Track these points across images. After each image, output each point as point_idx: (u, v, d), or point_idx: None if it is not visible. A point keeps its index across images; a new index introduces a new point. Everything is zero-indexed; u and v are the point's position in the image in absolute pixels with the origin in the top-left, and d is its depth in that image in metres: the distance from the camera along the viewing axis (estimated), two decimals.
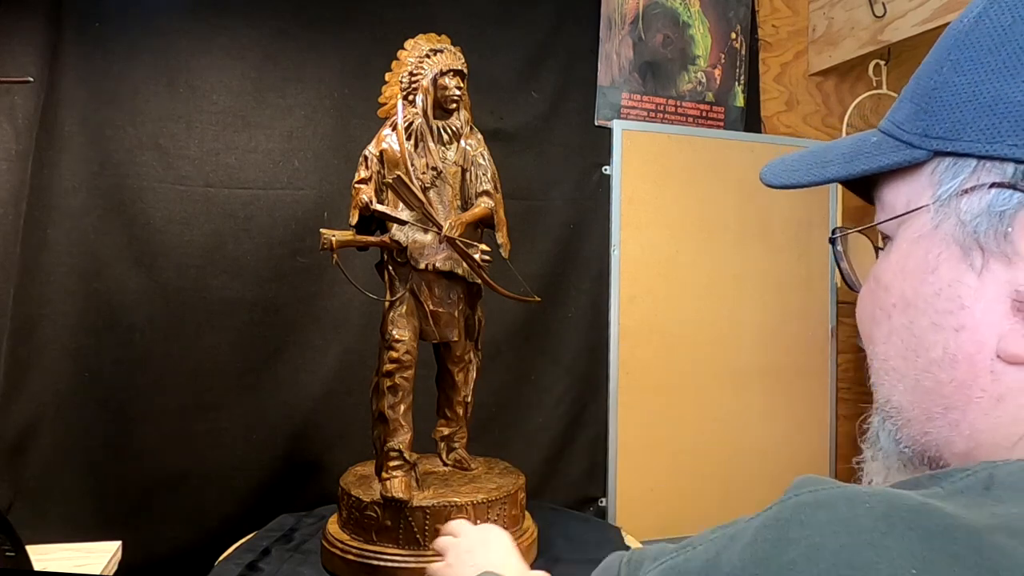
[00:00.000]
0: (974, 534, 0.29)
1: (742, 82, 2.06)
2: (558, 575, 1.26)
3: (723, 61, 2.03)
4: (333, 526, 1.29)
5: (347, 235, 1.26)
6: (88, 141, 1.50)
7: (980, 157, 0.37)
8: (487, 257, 1.28)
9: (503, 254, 1.33)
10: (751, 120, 2.07)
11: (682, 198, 1.95)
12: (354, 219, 1.27)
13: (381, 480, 1.25)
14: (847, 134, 2.10)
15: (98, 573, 1.28)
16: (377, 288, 1.32)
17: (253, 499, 1.58)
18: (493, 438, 1.73)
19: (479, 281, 1.32)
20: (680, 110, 2.00)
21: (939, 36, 0.42)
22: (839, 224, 2.08)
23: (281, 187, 1.62)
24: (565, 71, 1.86)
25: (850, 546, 0.29)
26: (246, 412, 1.59)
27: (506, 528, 1.25)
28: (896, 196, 0.43)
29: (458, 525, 0.89)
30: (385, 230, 1.29)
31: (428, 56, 1.31)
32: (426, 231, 1.26)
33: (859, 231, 0.48)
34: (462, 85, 1.32)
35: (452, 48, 1.33)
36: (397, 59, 1.34)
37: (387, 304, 1.29)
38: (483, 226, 1.34)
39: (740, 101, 2.06)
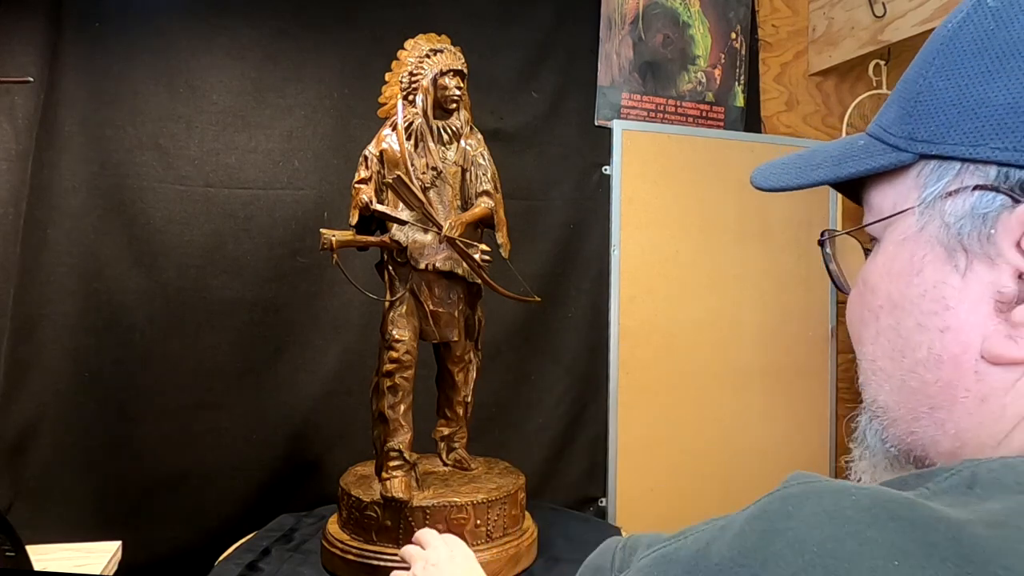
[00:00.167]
0: (954, 526, 0.29)
1: (742, 82, 2.06)
2: (558, 575, 1.26)
3: (723, 61, 2.03)
4: (333, 526, 1.29)
5: (347, 235, 1.26)
6: (88, 141, 1.50)
7: (964, 160, 0.38)
8: (487, 257, 1.28)
9: (503, 254, 1.33)
10: (751, 120, 2.07)
11: (682, 198, 1.95)
12: (354, 219, 1.27)
13: (381, 480, 1.25)
14: (847, 134, 2.10)
15: (98, 573, 1.28)
16: (377, 288, 1.32)
17: (253, 499, 1.58)
18: (493, 438, 1.73)
19: (479, 281, 1.32)
20: (680, 110, 2.00)
21: None
22: (839, 224, 2.08)
23: (281, 187, 1.62)
24: (565, 71, 1.86)
25: (834, 537, 0.30)
26: (246, 412, 1.59)
27: (506, 528, 1.26)
28: (883, 199, 0.43)
29: (426, 536, 0.91)
30: (385, 230, 1.29)
31: (428, 56, 1.31)
32: (426, 231, 1.26)
33: (847, 233, 0.49)
34: (462, 85, 1.32)
35: (452, 48, 1.33)
36: (397, 59, 1.33)
37: (387, 304, 1.29)
38: (483, 226, 1.34)
39: (740, 101, 2.06)
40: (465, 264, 1.29)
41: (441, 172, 1.29)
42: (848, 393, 2.15)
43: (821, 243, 0.50)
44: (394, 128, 1.29)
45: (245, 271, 1.59)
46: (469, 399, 1.41)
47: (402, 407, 1.27)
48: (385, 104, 1.34)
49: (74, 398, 1.49)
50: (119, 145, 1.52)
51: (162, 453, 1.53)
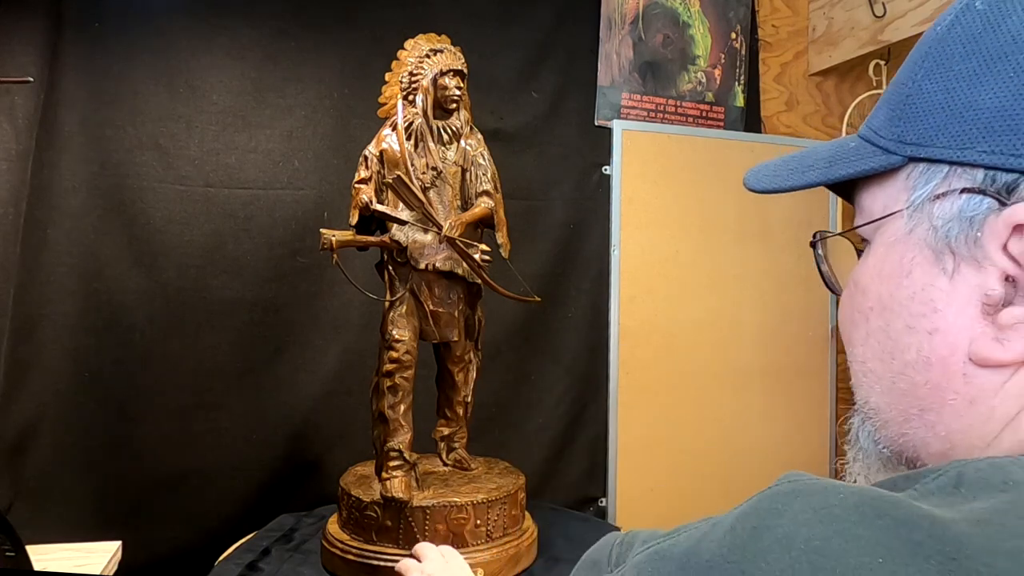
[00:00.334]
0: (938, 524, 0.29)
1: (742, 82, 2.06)
2: (558, 575, 1.26)
3: (723, 61, 2.03)
4: (333, 526, 1.29)
5: (347, 235, 1.26)
6: (88, 141, 1.50)
7: (951, 163, 0.38)
8: (487, 257, 1.28)
9: (503, 254, 1.33)
10: (751, 120, 2.07)
11: (682, 198, 1.95)
12: (354, 219, 1.27)
13: (381, 480, 1.25)
14: (847, 134, 2.10)
15: (98, 573, 1.28)
16: (377, 288, 1.32)
17: (253, 499, 1.58)
18: (493, 438, 1.73)
19: (479, 281, 1.32)
20: (680, 110, 2.00)
21: None
22: (839, 225, 2.09)
23: (281, 187, 1.62)
24: (565, 71, 1.86)
25: (821, 534, 0.30)
26: (246, 412, 1.59)
27: (506, 528, 1.26)
28: (873, 201, 0.43)
29: (423, 549, 0.93)
30: (385, 230, 1.29)
31: (428, 56, 1.31)
32: (426, 231, 1.26)
33: (839, 235, 0.49)
34: (462, 85, 1.32)
35: (452, 48, 1.33)
36: (397, 59, 1.33)
37: (387, 304, 1.29)
38: (483, 226, 1.34)
39: (740, 101, 2.06)
40: (465, 264, 1.29)
41: (441, 172, 1.29)
42: (848, 393, 2.14)
43: (813, 244, 0.50)
44: (394, 128, 1.29)
45: (245, 271, 1.59)
46: (469, 399, 1.41)
47: (402, 407, 1.27)
48: (385, 104, 1.34)
49: (74, 398, 1.49)
50: (119, 145, 1.52)
51: (162, 453, 1.53)
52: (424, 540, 1.18)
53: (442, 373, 1.41)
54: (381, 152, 1.29)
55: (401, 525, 1.20)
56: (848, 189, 0.46)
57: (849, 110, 2.14)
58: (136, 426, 1.52)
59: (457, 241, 1.25)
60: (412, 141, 1.28)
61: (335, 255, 1.23)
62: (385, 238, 1.27)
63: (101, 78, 1.51)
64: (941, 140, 0.38)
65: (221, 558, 1.32)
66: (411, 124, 1.29)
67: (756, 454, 2.00)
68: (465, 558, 1.05)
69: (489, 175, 1.32)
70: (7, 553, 1.06)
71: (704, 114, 2.02)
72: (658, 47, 1.97)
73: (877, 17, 1.91)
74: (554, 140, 1.85)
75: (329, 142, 1.65)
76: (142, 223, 1.53)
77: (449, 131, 1.31)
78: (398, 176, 1.24)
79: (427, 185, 1.28)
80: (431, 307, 1.30)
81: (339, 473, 1.37)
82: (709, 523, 0.36)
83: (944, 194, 0.38)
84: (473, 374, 1.41)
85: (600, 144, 1.90)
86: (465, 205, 1.32)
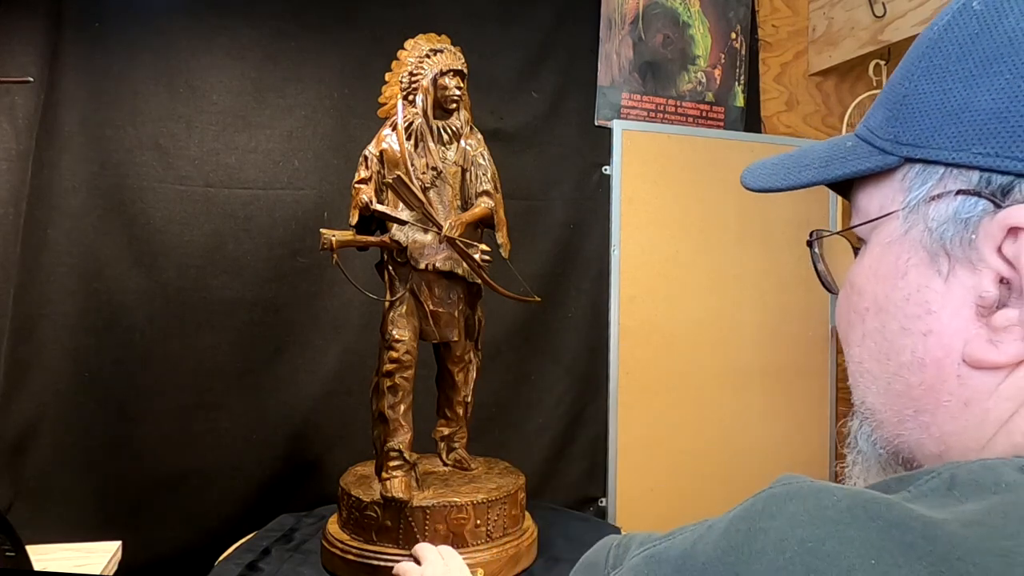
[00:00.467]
0: (930, 526, 0.30)
1: (742, 82, 2.06)
2: (558, 575, 1.26)
3: (723, 61, 2.03)
4: (333, 526, 1.29)
5: (347, 235, 1.26)
6: (88, 141, 1.50)
7: (947, 164, 0.38)
8: (487, 257, 1.28)
9: (503, 254, 1.33)
10: (751, 120, 2.07)
11: (682, 198, 1.95)
12: (354, 219, 1.26)
13: (381, 480, 1.25)
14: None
15: (98, 573, 1.28)
16: (377, 288, 1.32)
17: (253, 499, 1.58)
18: (493, 438, 1.73)
19: (479, 281, 1.32)
20: (680, 110, 2.00)
21: None
22: (838, 224, 2.09)
23: (281, 187, 1.62)
24: (565, 71, 1.86)
25: (815, 536, 0.30)
26: (246, 412, 1.59)
27: (506, 528, 1.26)
28: (869, 201, 0.43)
29: (423, 551, 0.93)
30: (385, 230, 1.29)
31: (428, 56, 1.31)
32: (426, 231, 1.26)
33: (836, 235, 0.49)
34: (462, 85, 1.32)
35: (452, 48, 1.33)
36: (397, 59, 1.33)
37: (387, 304, 1.29)
38: (483, 226, 1.34)
39: (740, 101, 2.06)
40: (465, 264, 1.29)
41: (441, 172, 1.29)
42: (848, 393, 2.15)
43: (810, 243, 0.50)
44: (394, 128, 1.29)
45: (245, 271, 1.59)
46: (469, 399, 1.41)
47: (402, 407, 1.27)
48: (385, 104, 1.34)
49: (74, 398, 1.49)
50: (119, 145, 1.52)
51: (162, 453, 1.53)
52: (424, 540, 1.18)
53: (442, 373, 1.41)
54: (381, 152, 1.29)
55: (401, 525, 1.20)
56: (846, 187, 0.46)
57: (849, 110, 2.14)
58: (136, 426, 1.52)
59: (457, 241, 1.25)
60: (412, 141, 1.28)
61: (335, 255, 1.23)
62: (385, 238, 1.27)
63: (101, 78, 1.51)
64: (937, 141, 0.38)
65: (221, 558, 1.32)
66: (411, 124, 1.29)
67: (756, 454, 2.00)
68: (465, 558, 1.06)
69: (489, 175, 1.32)
70: (7, 553, 1.06)
71: (704, 114, 2.02)
72: (658, 47, 1.97)
73: (877, 17, 1.91)
74: (554, 140, 1.85)
75: (329, 142, 1.65)
76: (142, 223, 1.53)
77: (449, 131, 1.31)
78: (398, 176, 1.24)
79: (427, 185, 1.28)
80: (431, 307, 1.30)
81: (339, 473, 1.37)
82: (704, 525, 0.36)
83: (940, 195, 0.38)
84: (473, 374, 1.41)
85: (600, 144, 1.90)
86: (465, 205, 1.32)
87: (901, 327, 0.40)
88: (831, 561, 0.29)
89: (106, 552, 1.35)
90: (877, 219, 0.42)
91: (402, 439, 1.27)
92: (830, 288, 0.50)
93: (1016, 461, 0.34)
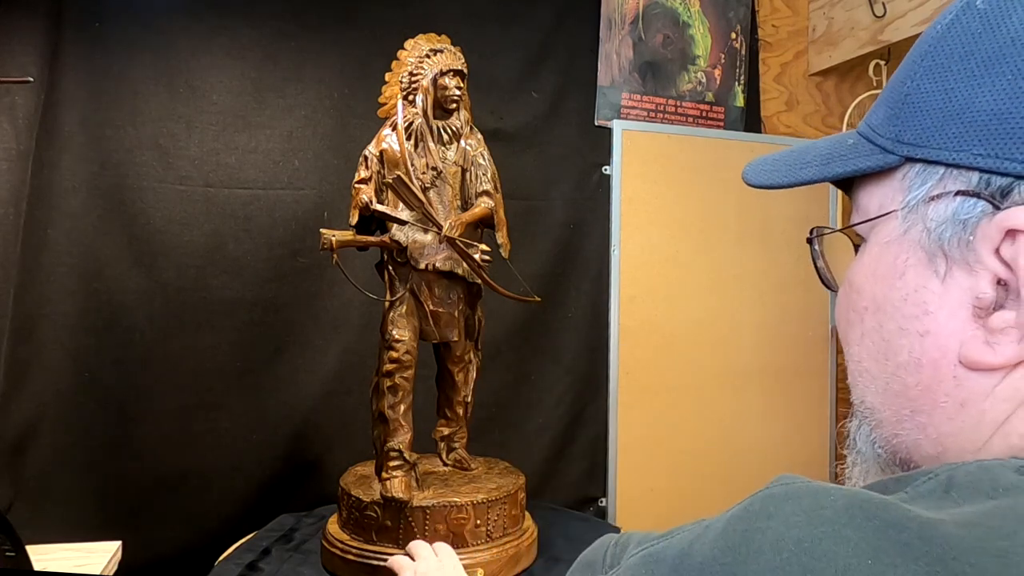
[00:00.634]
0: (926, 526, 0.30)
1: (742, 82, 2.06)
2: (558, 575, 1.27)
3: (723, 61, 2.03)
4: (333, 526, 1.29)
5: (347, 235, 1.26)
6: (88, 141, 1.50)
7: (947, 165, 0.38)
8: (487, 257, 1.28)
9: (503, 254, 1.33)
10: (751, 120, 2.07)
11: (682, 198, 1.95)
12: (354, 219, 1.27)
13: (381, 480, 1.25)
14: None
15: (98, 573, 1.28)
16: (377, 288, 1.32)
17: (253, 499, 1.58)
18: (493, 438, 1.73)
19: (479, 281, 1.32)
20: (680, 110, 2.00)
21: None
22: (839, 223, 2.08)
23: (281, 187, 1.62)
24: (565, 71, 1.86)
25: (812, 536, 0.30)
26: (246, 412, 1.59)
27: (506, 528, 1.26)
28: (869, 199, 0.43)
29: (417, 548, 0.93)
30: (385, 230, 1.29)
31: (428, 56, 1.31)
32: (426, 231, 1.26)
33: (836, 232, 0.49)
34: (462, 85, 1.32)
35: (452, 48, 1.33)
36: (397, 59, 1.33)
37: (387, 304, 1.29)
38: (483, 226, 1.34)
39: (740, 101, 2.06)
40: (465, 264, 1.29)
41: (441, 172, 1.29)
42: (847, 393, 2.15)
43: (810, 240, 0.50)
44: (394, 128, 1.29)
45: (245, 271, 1.59)
46: (469, 399, 1.41)
47: (402, 407, 1.27)
48: (385, 104, 1.34)
49: (74, 398, 1.49)
50: (119, 145, 1.52)
51: (162, 453, 1.53)
52: (424, 540, 1.18)
53: (442, 373, 1.41)
54: (381, 152, 1.29)
55: (401, 525, 1.21)
56: (847, 183, 0.46)
57: (849, 110, 2.14)
58: (136, 426, 1.52)
59: (457, 241, 1.25)
60: (412, 141, 1.28)
61: (335, 255, 1.23)
62: (385, 238, 1.27)
63: (101, 78, 1.51)
64: (938, 141, 0.38)
65: (221, 558, 1.32)
66: (411, 124, 1.29)
67: (756, 454, 2.00)
68: (465, 558, 1.06)
69: (489, 175, 1.32)
70: (7, 553, 1.06)
71: (704, 114, 2.02)
72: (658, 47, 1.97)
73: (877, 17, 1.91)
74: (554, 140, 1.85)
75: (329, 142, 1.65)
76: (142, 223, 1.53)
77: (449, 131, 1.31)
78: (398, 176, 1.24)
79: (427, 185, 1.28)
80: (431, 307, 1.30)
81: (339, 473, 1.37)
82: (702, 525, 0.36)
83: (939, 196, 0.38)
84: (473, 374, 1.41)
85: (600, 144, 1.90)
86: (465, 205, 1.32)
87: (898, 327, 0.40)
88: (827, 561, 0.29)
89: (106, 552, 1.35)
90: (876, 218, 0.42)
91: (402, 439, 1.27)
92: (829, 285, 0.50)
93: (1013, 462, 0.34)
